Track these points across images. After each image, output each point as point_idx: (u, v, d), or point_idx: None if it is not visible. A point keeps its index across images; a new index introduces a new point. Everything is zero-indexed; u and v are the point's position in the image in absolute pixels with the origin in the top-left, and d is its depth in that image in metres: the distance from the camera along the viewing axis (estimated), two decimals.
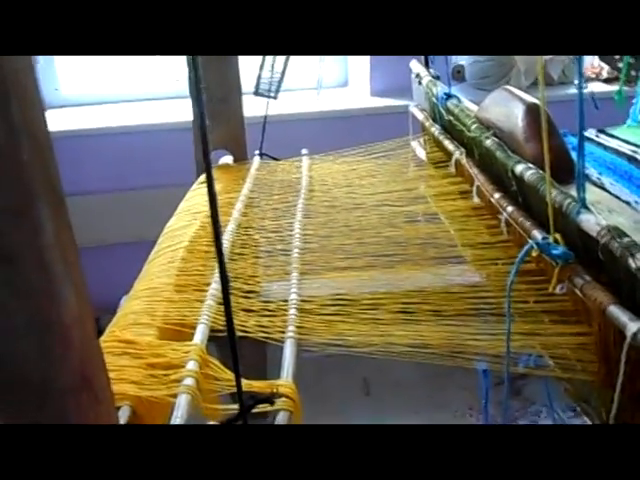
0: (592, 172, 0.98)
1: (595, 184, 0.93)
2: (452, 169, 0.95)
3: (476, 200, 0.84)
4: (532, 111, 0.77)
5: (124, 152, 1.61)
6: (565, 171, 0.73)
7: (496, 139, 0.81)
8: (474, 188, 0.85)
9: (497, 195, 0.77)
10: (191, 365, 0.47)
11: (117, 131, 1.60)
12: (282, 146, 1.21)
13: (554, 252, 0.56)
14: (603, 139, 1.11)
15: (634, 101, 1.16)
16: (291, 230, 0.84)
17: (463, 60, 1.74)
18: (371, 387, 1.58)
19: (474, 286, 0.72)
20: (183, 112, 1.10)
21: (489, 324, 0.65)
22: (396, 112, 1.48)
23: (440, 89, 1.11)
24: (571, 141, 1.15)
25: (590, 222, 0.54)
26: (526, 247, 0.58)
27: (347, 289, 0.71)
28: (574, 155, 1.07)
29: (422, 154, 1.18)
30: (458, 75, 1.73)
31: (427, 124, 1.15)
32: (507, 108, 0.84)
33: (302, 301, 0.66)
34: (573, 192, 0.71)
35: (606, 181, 0.93)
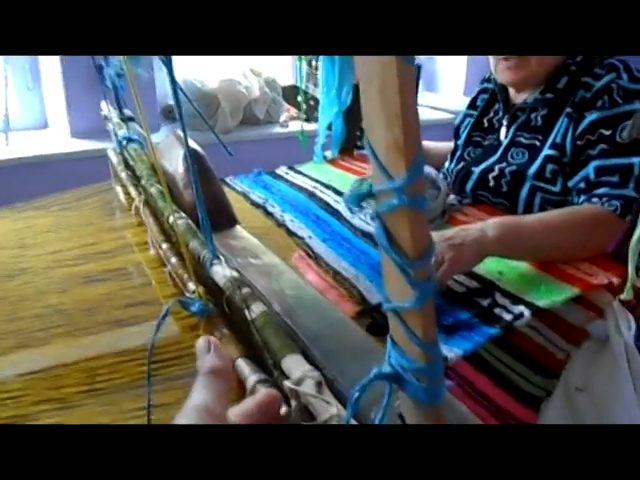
0: (277, 210, 1.02)
1: (278, 222, 0.97)
2: (134, 219, 0.88)
3: (152, 252, 0.79)
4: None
5: None
6: (223, 218, 0.72)
7: (159, 186, 0.77)
8: (149, 239, 0.80)
9: (165, 246, 0.73)
10: None
11: None
12: None
13: (192, 309, 0.53)
14: (291, 176, 1.19)
15: (316, 140, 1.27)
16: None
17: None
18: None
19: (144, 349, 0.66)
20: None
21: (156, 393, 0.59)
22: (100, 155, 1.38)
23: (124, 132, 1.05)
24: (264, 179, 1.20)
25: (219, 274, 0.53)
26: (165, 307, 0.54)
27: None
28: (263, 192, 1.12)
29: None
30: (170, 115, 1.70)
31: (119, 169, 1.07)
32: (172, 154, 0.81)
33: None
34: (230, 240, 0.71)
35: (287, 218, 0.98)
